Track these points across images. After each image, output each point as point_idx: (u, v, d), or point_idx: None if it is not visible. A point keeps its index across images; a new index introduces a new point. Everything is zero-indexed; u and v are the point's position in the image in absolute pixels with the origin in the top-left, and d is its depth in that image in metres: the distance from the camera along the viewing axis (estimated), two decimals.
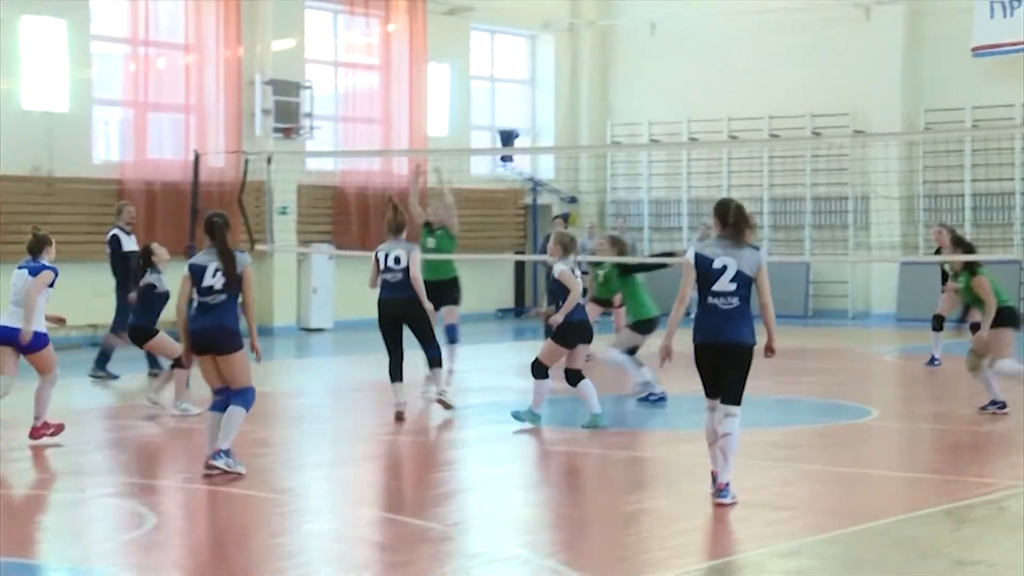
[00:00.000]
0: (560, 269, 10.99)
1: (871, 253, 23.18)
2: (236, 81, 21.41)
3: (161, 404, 12.06)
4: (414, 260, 11.43)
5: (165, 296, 12.19)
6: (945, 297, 15.27)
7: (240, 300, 9.03)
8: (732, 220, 8.04)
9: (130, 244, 15.09)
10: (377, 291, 11.61)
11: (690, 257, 8.12)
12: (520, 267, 25.72)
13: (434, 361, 11.75)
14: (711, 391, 8.17)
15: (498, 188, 25.54)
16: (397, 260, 11.41)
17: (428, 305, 11.36)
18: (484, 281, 24.16)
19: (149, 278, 12.28)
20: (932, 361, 15.68)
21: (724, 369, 8.06)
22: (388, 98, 23.76)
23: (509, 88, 27.27)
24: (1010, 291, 22.25)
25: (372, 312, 11.58)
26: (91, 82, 19.91)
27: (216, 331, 8.91)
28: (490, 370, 16.18)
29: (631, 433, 11.29)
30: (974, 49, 23.44)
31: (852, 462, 9.72)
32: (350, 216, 22.90)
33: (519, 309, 25.89)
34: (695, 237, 25.24)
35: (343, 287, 21.98)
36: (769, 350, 8.14)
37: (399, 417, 11.45)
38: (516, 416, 11.16)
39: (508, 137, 25.42)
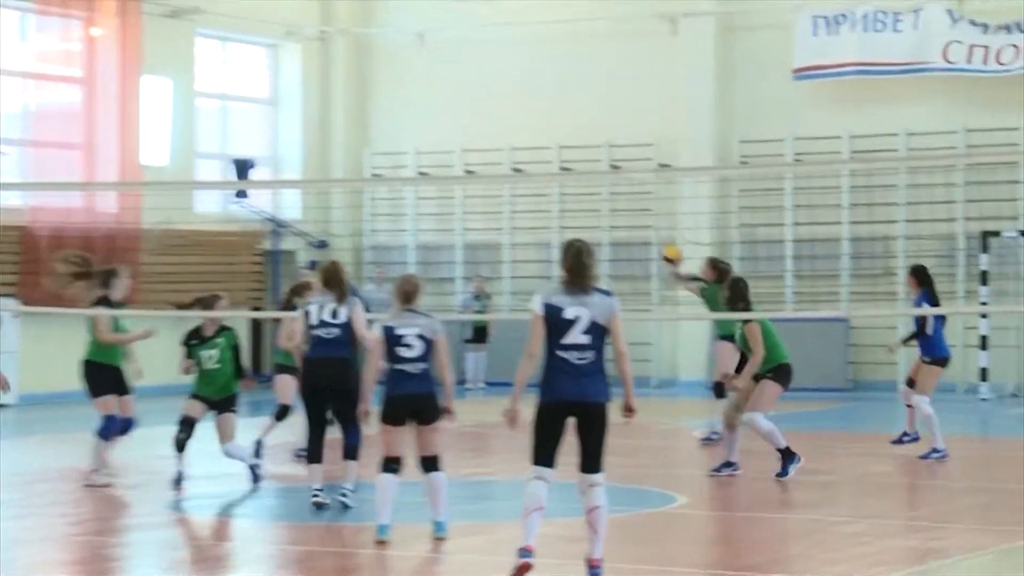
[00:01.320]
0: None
1: (678, 309, 23.66)
2: None
3: None
4: (360, 314, 11.49)
5: None
6: (720, 356, 15.70)
7: None
8: (572, 263, 8.52)
9: None
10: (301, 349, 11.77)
11: (536, 307, 8.51)
12: (256, 325, 25.40)
13: (351, 451, 11.63)
14: (547, 457, 8.50)
15: (231, 230, 25.24)
16: (334, 314, 11.43)
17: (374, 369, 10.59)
18: None
19: None
20: (710, 437, 15.99)
21: (581, 433, 8.47)
22: (93, 118, 23.30)
23: (245, 108, 27.03)
24: (833, 351, 23.25)
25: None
26: None
27: None
28: (217, 453, 15.87)
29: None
30: (795, 71, 24.34)
31: (653, 558, 9.82)
32: (41, 263, 22.24)
33: (261, 377, 25.52)
34: (469, 289, 25.40)
35: (31, 352, 21.27)
36: (628, 409, 8.60)
37: (320, 507, 11.39)
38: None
39: (243, 168, 25.19)
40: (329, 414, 11.66)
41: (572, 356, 8.43)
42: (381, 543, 10.10)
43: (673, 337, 25.12)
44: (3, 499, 13.25)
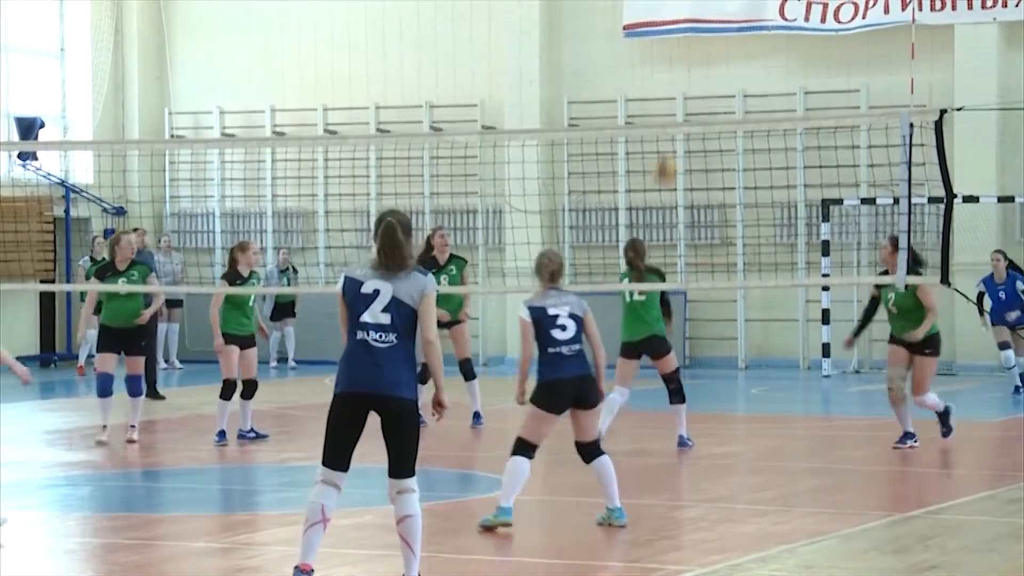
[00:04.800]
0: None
1: (506, 282, 23.86)
2: None
3: None
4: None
5: None
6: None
7: None
8: (383, 242, 8.14)
9: None
10: None
11: (340, 284, 8.21)
12: (49, 300, 25.01)
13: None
14: (338, 459, 8.10)
15: (16, 195, 24.77)
16: None
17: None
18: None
19: None
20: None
21: (386, 431, 8.05)
22: None
23: (31, 62, 26.53)
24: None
25: None
26: None
27: None
28: (11, 440, 15.68)
29: None
30: (625, 27, 24.62)
31: (459, 548, 9.96)
32: None
33: (48, 356, 25.16)
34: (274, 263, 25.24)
35: None
36: (438, 404, 8.19)
37: None
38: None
39: (29, 127, 24.76)
40: None
41: (372, 337, 8.05)
42: (506, 525, 10.13)
43: (501, 311, 25.27)
44: None
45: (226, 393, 14.81)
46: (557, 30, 25.28)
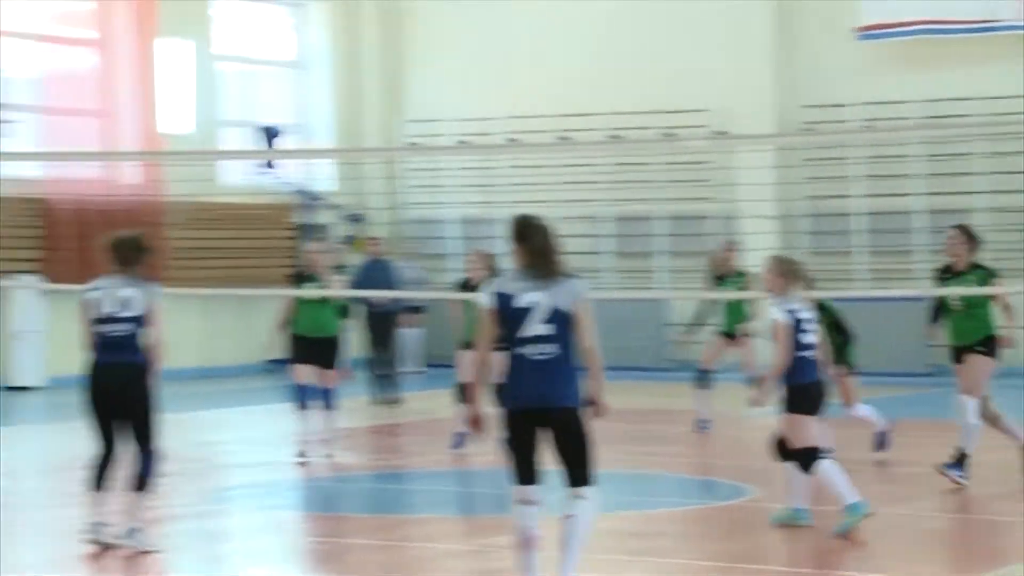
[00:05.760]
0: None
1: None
2: None
3: None
4: (157, 306, 10.09)
5: None
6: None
7: None
8: (537, 244, 8.04)
9: None
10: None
11: (487, 298, 8.06)
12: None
13: (139, 481, 10.02)
14: (525, 475, 8.01)
15: (259, 203, 25.40)
16: (127, 304, 10.03)
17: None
18: (245, 324, 23.96)
19: None
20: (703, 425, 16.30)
21: (557, 443, 7.94)
22: (110, 84, 23.47)
23: (271, 72, 27.18)
24: (910, 333, 23.17)
25: None
26: None
27: None
28: (257, 441, 16.12)
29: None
30: (859, 30, 24.33)
31: (723, 555, 9.97)
32: (66, 238, 22.49)
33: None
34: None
35: (58, 332, 21.51)
36: (597, 404, 8.03)
37: (100, 544, 9.97)
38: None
39: (270, 136, 25.34)
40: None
41: (529, 351, 7.92)
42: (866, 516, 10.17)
43: None
44: (33, 488, 13.53)
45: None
46: (790, 33, 25.09)
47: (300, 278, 14.78)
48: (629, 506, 11.67)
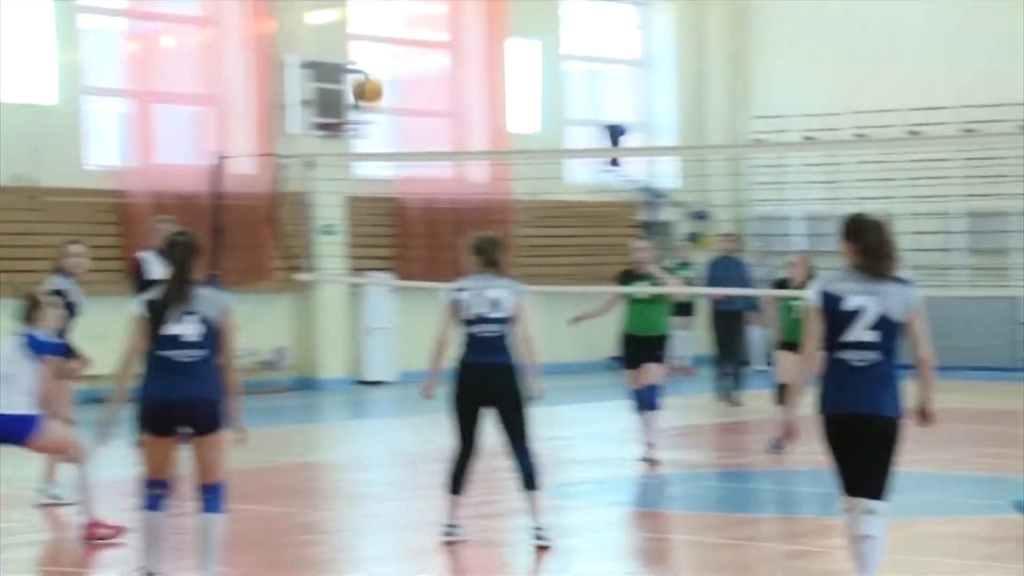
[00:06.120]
0: None
1: None
2: (265, 64, 21.75)
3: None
4: (524, 308, 10.19)
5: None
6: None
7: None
8: (870, 242, 7.84)
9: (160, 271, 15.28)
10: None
11: (814, 296, 7.88)
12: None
13: (528, 480, 10.17)
14: (849, 483, 7.82)
15: (603, 201, 25.62)
16: (495, 305, 10.20)
17: (541, 384, 10.18)
18: (587, 321, 24.14)
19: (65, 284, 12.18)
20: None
21: (865, 448, 7.75)
22: (459, 85, 24.00)
23: (616, 71, 27.38)
24: None
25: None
26: (81, 66, 20.31)
27: (195, 403, 8.30)
28: (599, 437, 16.26)
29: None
30: None
31: None
32: (415, 236, 23.12)
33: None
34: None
35: (409, 328, 22.10)
36: (923, 415, 7.79)
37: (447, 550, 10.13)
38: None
39: (615, 134, 25.52)
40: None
41: (853, 356, 7.70)
42: None
43: None
44: (387, 481, 13.95)
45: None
46: None
47: (628, 276, 14.46)
48: (976, 510, 11.40)
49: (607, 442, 15.84)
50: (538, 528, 10.09)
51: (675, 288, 14.86)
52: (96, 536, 10.35)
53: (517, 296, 10.15)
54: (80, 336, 12.36)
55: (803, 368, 7.87)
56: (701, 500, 12.84)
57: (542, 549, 10.00)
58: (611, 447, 15.38)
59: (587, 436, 16.12)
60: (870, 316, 7.69)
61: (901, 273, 7.88)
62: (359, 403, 20.80)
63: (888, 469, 7.78)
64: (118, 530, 10.34)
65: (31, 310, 10.41)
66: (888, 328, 7.68)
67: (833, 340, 7.75)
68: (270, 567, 9.78)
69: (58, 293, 11.81)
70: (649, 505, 12.64)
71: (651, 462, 13.87)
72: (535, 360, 10.13)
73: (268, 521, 11.24)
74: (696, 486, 13.30)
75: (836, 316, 7.74)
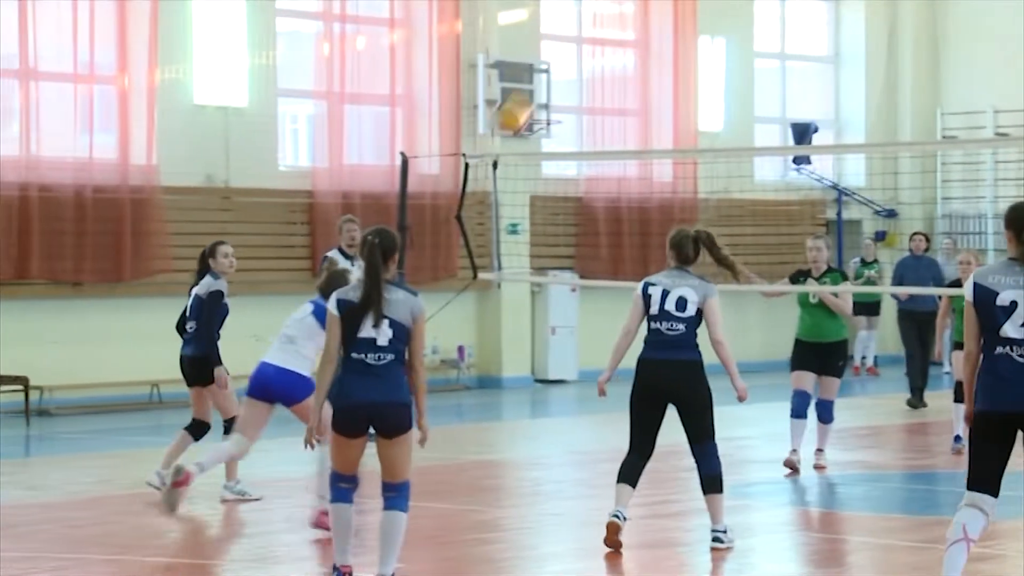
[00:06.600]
0: None
1: None
2: (454, 64, 21.95)
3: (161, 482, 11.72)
4: (715, 309, 10.09)
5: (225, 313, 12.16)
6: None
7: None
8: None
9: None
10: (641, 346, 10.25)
11: (967, 291, 7.70)
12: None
13: (711, 482, 10.13)
14: (982, 481, 7.67)
15: (791, 199, 25.42)
16: (681, 303, 10.23)
17: (741, 383, 10.14)
18: (772, 320, 24.06)
19: (214, 285, 12.09)
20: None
21: (1004, 448, 7.63)
22: (647, 83, 23.99)
23: (805, 68, 27.14)
24: None
25: (628, 361, 11.22)
26: (275, 69, 20.69)
27: (385, 406, 8.33)
28: (780, 438, 16.13)
29: None
30: None
31: None
32: (598, 235, 23.16)
33: None
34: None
35: (589, 327, 22.19)
36: None
37: (612, 535, 9.97)
38: None
39: (804, 132, 25.32)
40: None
41: (1015, 352, 7.51)
42: None
43: None
44: (564, 479, 14.01)
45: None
46: None
47: (801, 276, 13.74)
48: None
49: (788, 442, 15.71)
50: (717, 531, 10.08)
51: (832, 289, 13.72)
52: (324, 525, 10.23)
53: (705, 296, 10.05)
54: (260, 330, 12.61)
55: (964, 365, 7.76)
56: (884, 502, 12.70)
57: (718, 551, 9.98)
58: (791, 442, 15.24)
59: (768, 436, 16.00)
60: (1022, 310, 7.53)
61: None
62: (539, 402, 20.92)
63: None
64: None
65: (331, 283, 9.99)
66: None
67: (990, 335, 7.59)
68: (448, 564, 9.90)
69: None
70: (830, 506, 12.54)
71: (819, 467, 13.56)
72: (729, 362, 10.04)
73: (446, 518, 11.37)
74: (879, 487, 13.15)
75: (988, 311, 7.58)
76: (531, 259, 22.36)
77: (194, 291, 12.18)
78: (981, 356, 7.69)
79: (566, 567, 10.03)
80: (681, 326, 9.99)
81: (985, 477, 7.67)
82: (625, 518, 10.01)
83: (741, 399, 10.16)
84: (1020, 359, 7.56)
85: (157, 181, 19.40)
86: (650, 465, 10.25)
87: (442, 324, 19.03)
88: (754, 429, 16.82)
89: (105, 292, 18.92)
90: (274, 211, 20.49)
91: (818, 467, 13.58)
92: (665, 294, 10.05)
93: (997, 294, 7.60)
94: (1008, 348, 7.57)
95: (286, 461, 13.77)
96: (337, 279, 9.96)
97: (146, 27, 19.26)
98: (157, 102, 19.35)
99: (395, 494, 8.40)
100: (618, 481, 10.09)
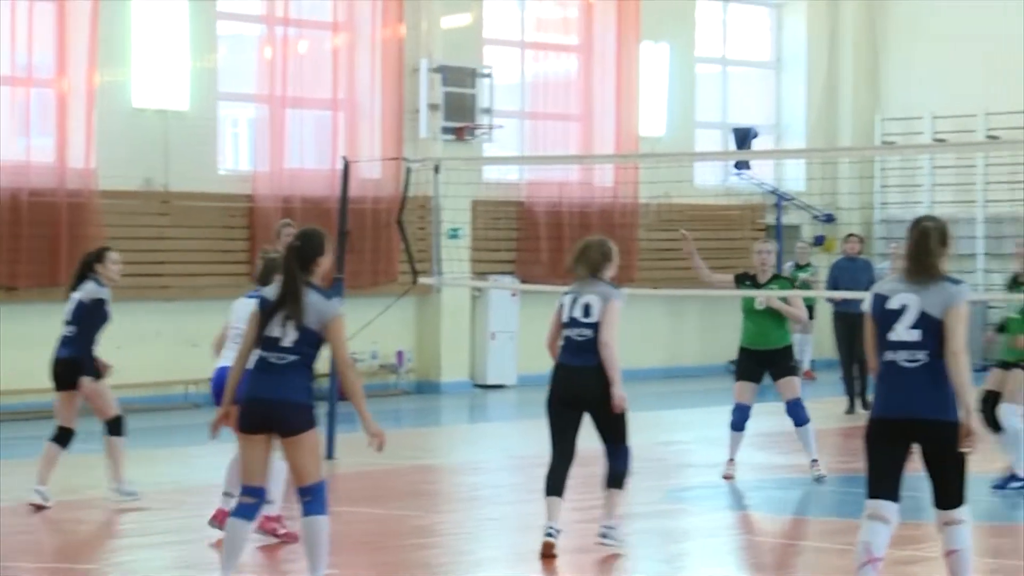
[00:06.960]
0: None
1: None
2: (397, 68, 21.95)
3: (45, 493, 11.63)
4: (610, 313, 10.12)
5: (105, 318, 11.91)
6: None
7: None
8: (913, 246, 7.78)
9: None
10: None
11: (866, 304, 7.84)
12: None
13: (614, 478, 10.30)
14: (881, 489, 7.79)
15: (731, 204, 25.52)
16: (586, 310, 10.28)
17: (618, 391, 10.06)
18: (710, 324, 24.18)
19: (98, 292, 11.86)
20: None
21: (926, 457, 7.72)
22: (589, 88, 24.04)
23: (747, 74, 27.27)
24: None
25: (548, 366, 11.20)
26: (216, 72, 20.64)
27: (279, 404, 8.26)
28: (718, 441, 16.20)
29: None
30: None
31: None
32: (539, 240, 23.19)
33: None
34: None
35: (529, 332, 22.20)
36: (966, 433, 7.60)
37: (547, 553, 10.05)
38: None
39: (744, 137, 25.40)
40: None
41: (900, 357, 7.67)
42: None
43: None
44: (502, 484, 14.05)
45: None
46: None
47: (744, 280, 13.65)
48: None
49: (725, 447, 15.78)
50: (607, 526, 10.20)
51: (794, 293, 13.83)
52: (270, 530, 10.27)
53: (606, 301, 10.15)
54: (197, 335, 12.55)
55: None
56: (817, 505, 12.79)
57: (604, 547, 10.09)
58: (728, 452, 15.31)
59: (704, 440, 16.08)
60: (912, 314, 7.71)
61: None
62: (478, 406, 20.94)
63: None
64: (288, 535, 10.25)
65: (267, 272, 10.01)
66: (932, 326, 7.62)
67: (881, 341, 7.77)
68: (384, 569, 9.91)
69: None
70: (764, 510, 12.61)
71: (818, 479, 13.26)
72: (612, 366, 10.04)
73: (383, 523, 11.38)
74: (813, 491, 13.23)
75: (883, 316, 7.74)
76: (472, 264, 22.38)
77: (75, 296, 11.92)
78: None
79: (502, 572, 10.07)
80: (589, 331, 10.10)
81: (884, 484, 7.76)
82: (559, 530, 10.09)
83: (616, 409, 10.05)
84: (906, 364, 7.66)
85: (95, 185, 19.29)
86: (583, 469, 10.32)
87: (381, 329, 19.01)
88: (690, 433, 16.91)
89: (40, 296, 18.79)
90: (213, 215, 20.43)
91: (818, 478, 13.28)
92: (574, 301, 10.22)
93: (888, 298, 7.75)
94: (895, 353, 7.68)
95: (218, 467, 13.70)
96: (274, 267, 9.73)
97: (86, 29, 19.16)
98: (96, 105, 19.23)
99: (310, 498, 8.31)
100: (547, 494, 10.16)
